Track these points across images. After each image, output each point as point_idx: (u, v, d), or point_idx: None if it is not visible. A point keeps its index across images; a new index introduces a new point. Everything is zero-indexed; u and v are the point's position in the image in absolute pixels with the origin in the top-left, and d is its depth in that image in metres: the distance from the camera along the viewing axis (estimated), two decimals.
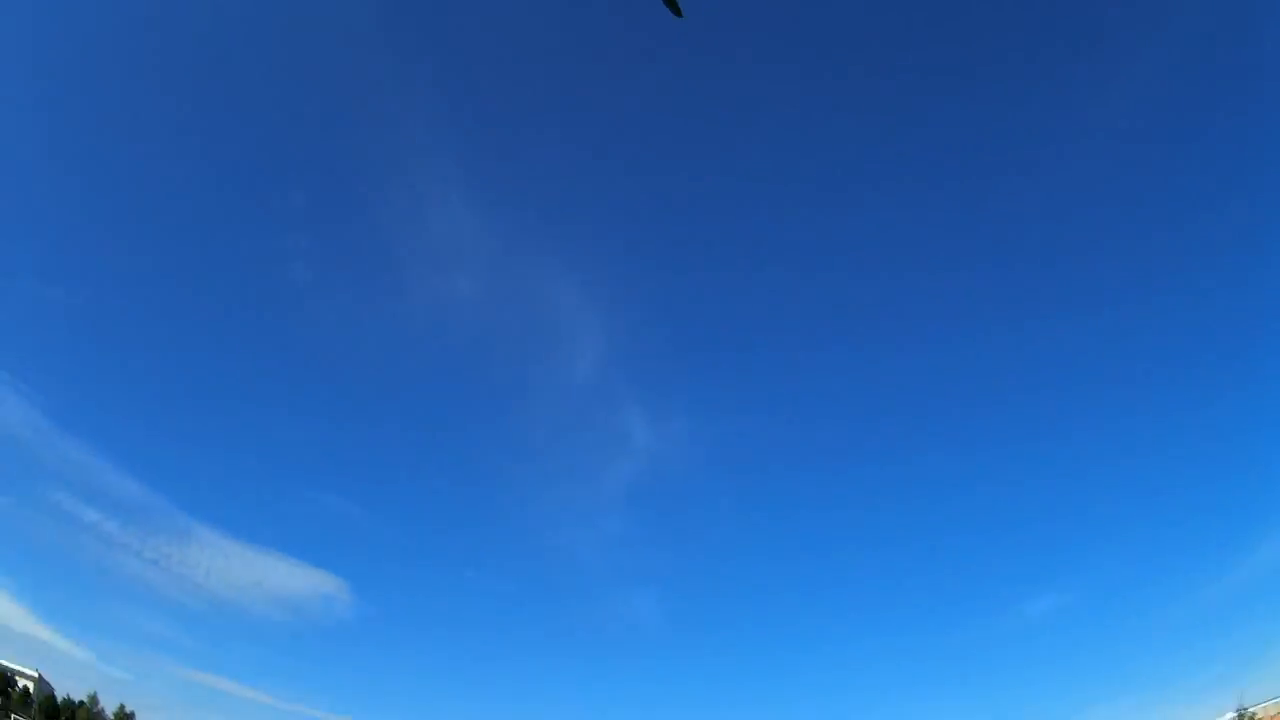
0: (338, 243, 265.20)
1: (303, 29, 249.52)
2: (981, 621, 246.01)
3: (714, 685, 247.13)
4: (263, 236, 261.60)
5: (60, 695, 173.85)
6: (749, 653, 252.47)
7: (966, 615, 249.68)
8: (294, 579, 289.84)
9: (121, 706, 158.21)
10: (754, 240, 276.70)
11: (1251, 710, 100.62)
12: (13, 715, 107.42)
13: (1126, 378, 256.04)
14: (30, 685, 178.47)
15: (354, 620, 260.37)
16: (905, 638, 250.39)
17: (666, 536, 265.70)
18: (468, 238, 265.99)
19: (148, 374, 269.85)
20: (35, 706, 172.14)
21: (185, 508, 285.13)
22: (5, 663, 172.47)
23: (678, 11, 28.73)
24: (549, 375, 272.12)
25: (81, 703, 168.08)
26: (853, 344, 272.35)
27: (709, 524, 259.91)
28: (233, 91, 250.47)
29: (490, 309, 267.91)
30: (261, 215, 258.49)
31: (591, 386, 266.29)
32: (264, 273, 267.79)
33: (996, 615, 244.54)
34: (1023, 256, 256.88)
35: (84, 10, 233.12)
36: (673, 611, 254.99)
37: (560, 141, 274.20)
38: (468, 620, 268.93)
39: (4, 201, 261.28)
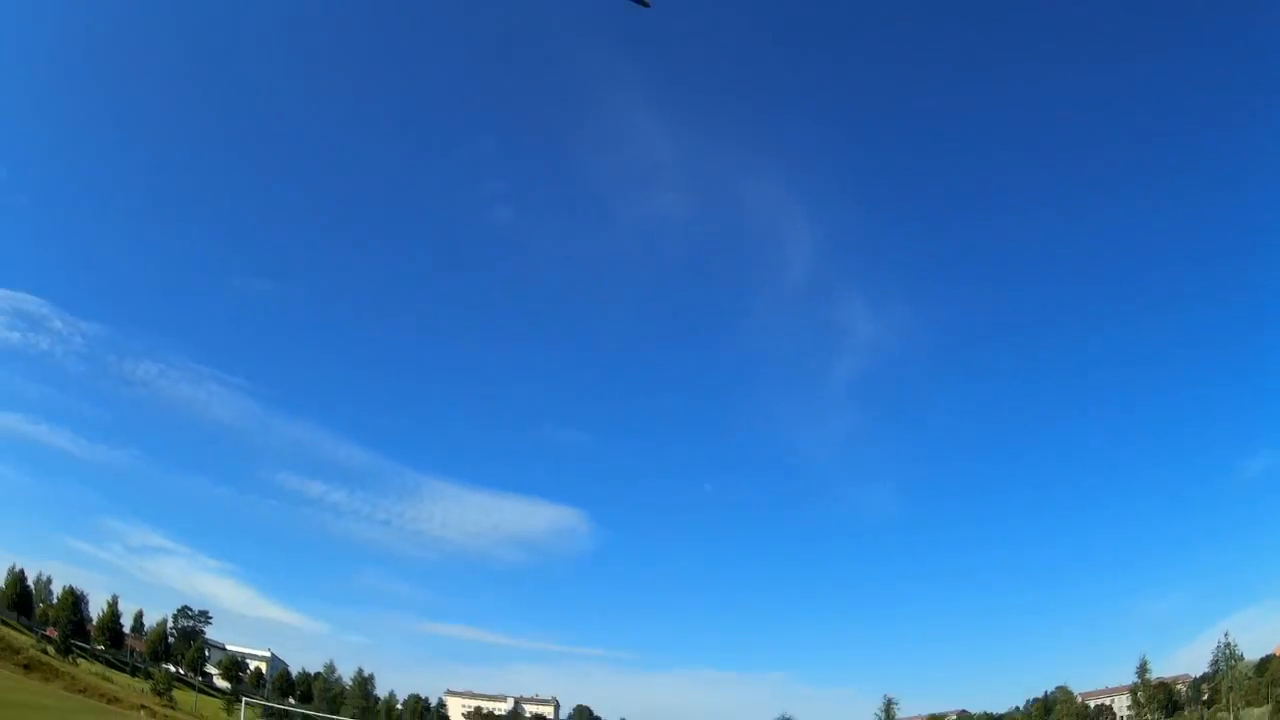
0: (535, 180, 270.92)
1: None
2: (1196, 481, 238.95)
3: (953, 575, 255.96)
4: (459, 188, 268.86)
5: (295, 670, 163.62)
6: (984, 538, 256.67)
7: (1180, 476, 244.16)
8: (531, 517, 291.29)
9: (359, 670, 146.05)
10: (958, 116, 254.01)
11: None
12: (243, 700, 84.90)
13: None
14: (262, 666, 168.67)
15: (594, 549, 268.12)
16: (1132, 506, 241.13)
17: (898, 428, 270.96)
18: (666, 157, 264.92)
19: (360, 345, 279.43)
20: (269, 685, 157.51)
21: (413, 464, 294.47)
22: (234, 648, 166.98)
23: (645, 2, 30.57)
24: (764, 278, 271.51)
25: (317, 674, 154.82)
26: (1071, 210, 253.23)
27: (940, 412, 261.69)
28: (404, 50, 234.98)
29: (697, 221, 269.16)
30: (453, 167, 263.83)
31: (808, 284, 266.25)
32: (466, 223, 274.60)
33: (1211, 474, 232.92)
34: None
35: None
36: (910, 504, 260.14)
37: (739, 51, 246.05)
38: (708, 533, 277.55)
39: (214, 207, 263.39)
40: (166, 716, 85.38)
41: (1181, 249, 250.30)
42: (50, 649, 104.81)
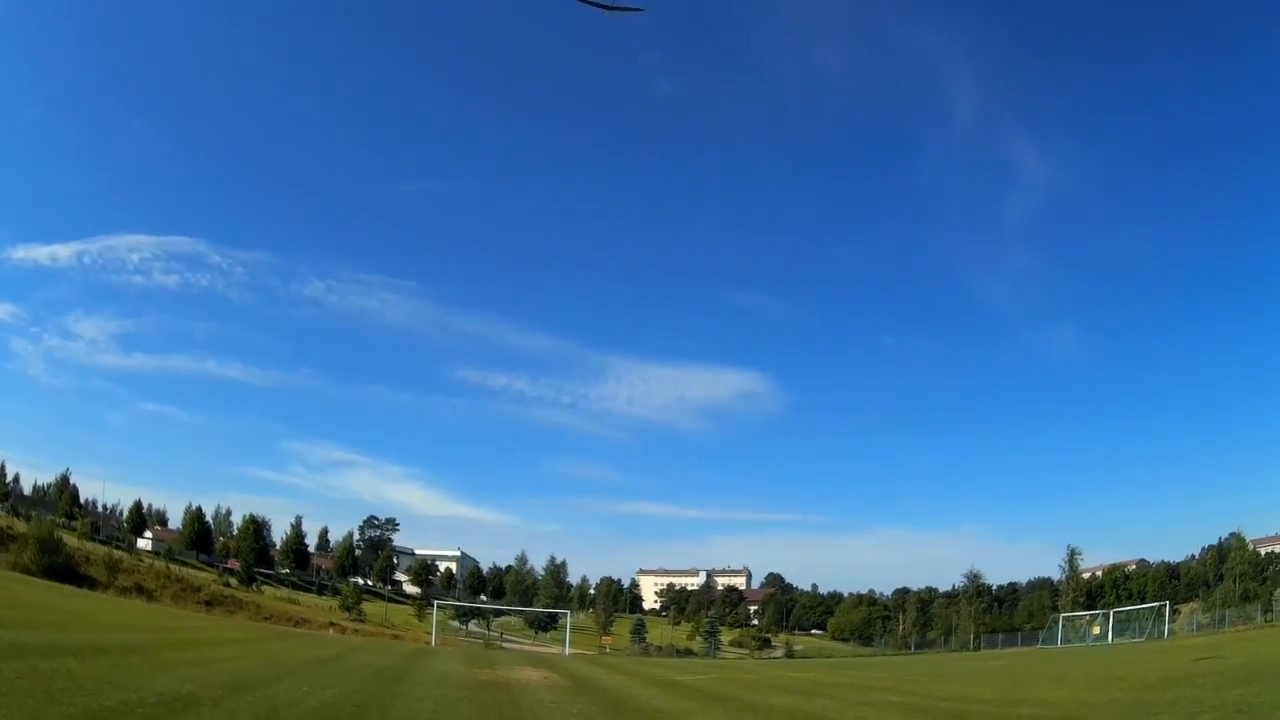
0: (691, 48, 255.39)
1: None
2: None
3: (1133, 421, 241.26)
4: (616, 66, 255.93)
5: (486, 566, 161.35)
6: (1164, 380, 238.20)
7: None
8: (716, 385, 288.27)
9: (551, 558, 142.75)
10: None
11: None
12: (434, 603, 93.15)
13: None
14: (452, 566, 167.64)
15: (780, 413, 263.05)
16: None
17: (1079, 268, 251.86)
18: (820, 9, 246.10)
19: (530, 233, 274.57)
20: (460, 585, 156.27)
21: (595, 345, 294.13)
22: (423, 551, 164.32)
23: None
24: (929, 123, 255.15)
25: (509, 567, 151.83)
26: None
27: (1119, 250, 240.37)
28: None
29: (857, 71, 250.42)
30: (608, 46, 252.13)
31: (973, 125, 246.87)
32: (626, 99, 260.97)
33: None
34: None
35: None
36: (1090, 347, 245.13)
37: None
38: (891, 387, 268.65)
39: (365, 115, 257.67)
40: (356, 630, 79.72)
41: None
42: (233, 581, 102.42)
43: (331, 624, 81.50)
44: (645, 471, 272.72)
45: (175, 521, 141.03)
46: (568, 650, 70.56)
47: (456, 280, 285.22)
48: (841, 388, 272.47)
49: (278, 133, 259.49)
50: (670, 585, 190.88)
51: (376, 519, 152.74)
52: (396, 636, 78.42)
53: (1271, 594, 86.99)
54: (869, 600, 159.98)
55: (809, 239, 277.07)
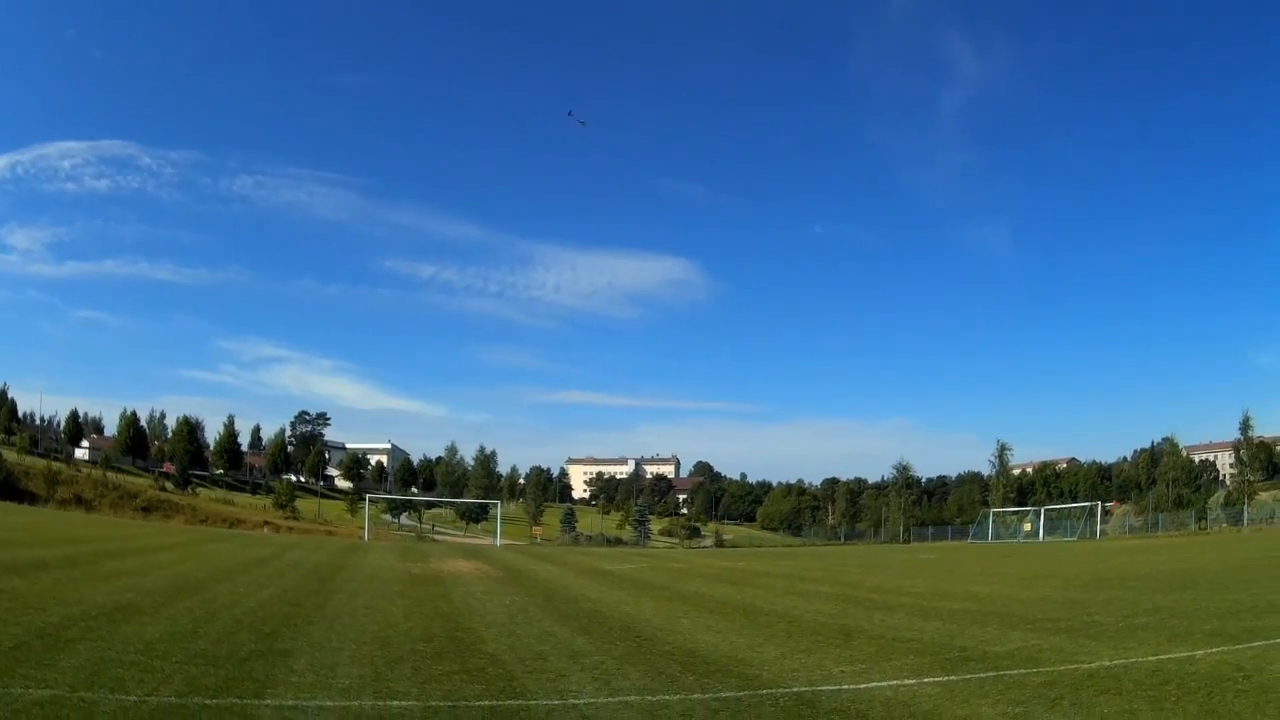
0: None
1: None
2: None
3: (1068, 319, 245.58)
4: None
5: (417, 458, 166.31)
6: (1099, 281, 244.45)
7: None
8: (644, 272, 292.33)
9: (481, 448, 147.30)
10: None
11: None
12: (365, 497, 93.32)
13: None
14: (384, 459, 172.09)
15: (708, 301, 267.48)
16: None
17: (1013, 167, 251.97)
18: None
19: (457, 122, 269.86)
20: (392, 477, 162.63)
21: (524, 233, 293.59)
22: (354, 445, 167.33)
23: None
24: (861, 13, 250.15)
25: (439, 459, 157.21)
26: None
27: (1053, 152, 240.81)
28: None
29: None
30: None
31: (905, 18, 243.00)
32: None
33: None
34: None
35: None
36: (1024, 245, 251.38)
37: None
38: (821, 278, 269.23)
39: (291, 8, 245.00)
40: (290, 528, 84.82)
41: None
42: (169, 485, 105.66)
43: (266, 523, 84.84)
44: (574, 360, 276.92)
45: (111, 429, 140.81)
46: (499, 541, 71.39)
47: (384, 171, 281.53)
48: (770, 276, 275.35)
49: (206, 29, 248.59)
50: (599, 474, 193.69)
51: (308, 414, 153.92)
52: (330, 532, 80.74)
53: (1205, 501, 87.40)
54: (798, 490, 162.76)
55: (738, 127, 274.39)
